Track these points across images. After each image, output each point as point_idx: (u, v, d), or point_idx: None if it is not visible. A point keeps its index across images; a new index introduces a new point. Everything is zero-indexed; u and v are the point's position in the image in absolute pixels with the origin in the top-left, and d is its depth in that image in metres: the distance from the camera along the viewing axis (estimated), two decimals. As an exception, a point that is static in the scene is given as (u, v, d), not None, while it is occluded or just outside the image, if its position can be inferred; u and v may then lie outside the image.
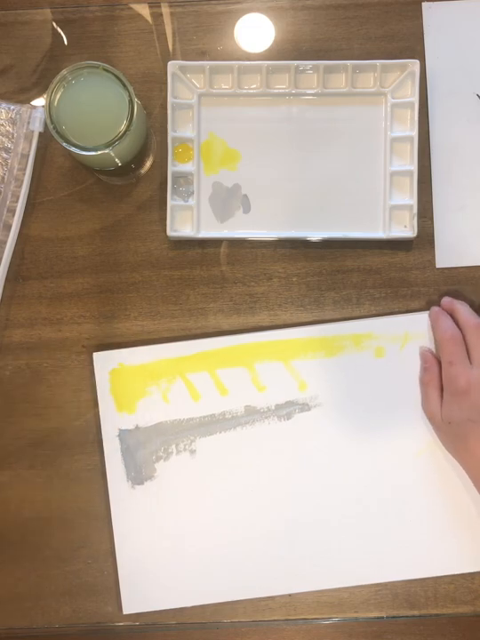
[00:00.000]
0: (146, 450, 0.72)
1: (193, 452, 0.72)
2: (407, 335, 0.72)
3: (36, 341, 0.74)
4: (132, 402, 0.72)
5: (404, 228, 0.72)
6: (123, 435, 0.72)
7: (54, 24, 0.75)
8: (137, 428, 0.72)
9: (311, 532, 0.71)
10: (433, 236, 0.74)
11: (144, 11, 0.75)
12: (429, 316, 0.72)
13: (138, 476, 0.72)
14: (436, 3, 0.74)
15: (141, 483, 0.72)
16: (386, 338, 0.72)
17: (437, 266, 0.74)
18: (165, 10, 0.74)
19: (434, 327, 0.71)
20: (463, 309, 0.70)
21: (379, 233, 0.72)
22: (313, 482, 0.71)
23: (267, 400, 0.72)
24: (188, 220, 0.73)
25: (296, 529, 0.71)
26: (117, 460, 0.72)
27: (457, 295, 0.73)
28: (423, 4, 0.74)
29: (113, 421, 0.72)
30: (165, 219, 0.72)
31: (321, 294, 0.74)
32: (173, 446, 0.72)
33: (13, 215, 0.73)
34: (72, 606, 0.73)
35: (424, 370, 0.71)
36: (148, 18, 0.74)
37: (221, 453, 0.72)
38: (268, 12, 0.75)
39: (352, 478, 0.72)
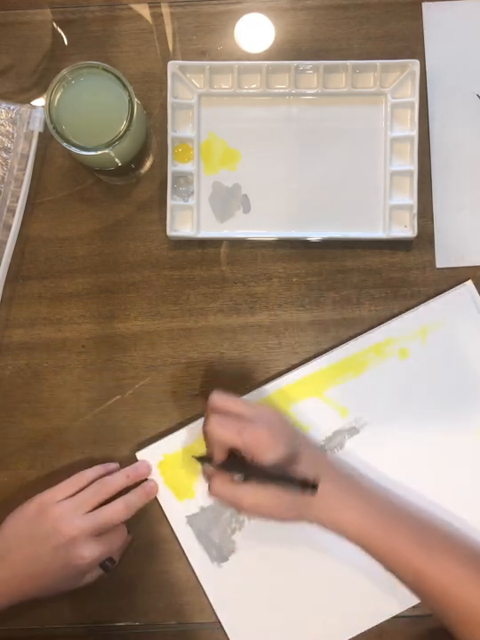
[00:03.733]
0: (219, 527, 0.71)
1: None
2: (424, 329, 0.72)
3: (36, 341, 0.74)
4: (189, 487, 0.72)
5: (404, 228, 0.72)
6: (191, 520, 0.71)
7: (54, 24, 0.75)
8: (202, 509, 0.72)
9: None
10: (433, 235, 0.74)
11: (144, 11, 0.75)
12: None
13: (220, 553, 0.71)
14: (435, 3, 0.74)
15: (226, 559, 0.71)
16: (405, 338, 0.72)
17: (437, 266, 0.74)
18: (165, 10, 0.75)
19: None
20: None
21: (379, 233, 0.72)
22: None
23: (315, 437, 0.72)
24: (188, 219, 0.73)
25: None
26: (195, 545, 0.71)
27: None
28: (423, 4, 0.74)
29: (178, 511, 0.72)
30: (165, 219, 0.72)
31: (321, 294, 0.74)
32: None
33: (13, 215, 0.73)
34: (72, 606, 0.73)
35: None
36: (148, 18, 0.74)
37: None
38: (267, 12, 0.75)
39: (426, 482, 0.71)
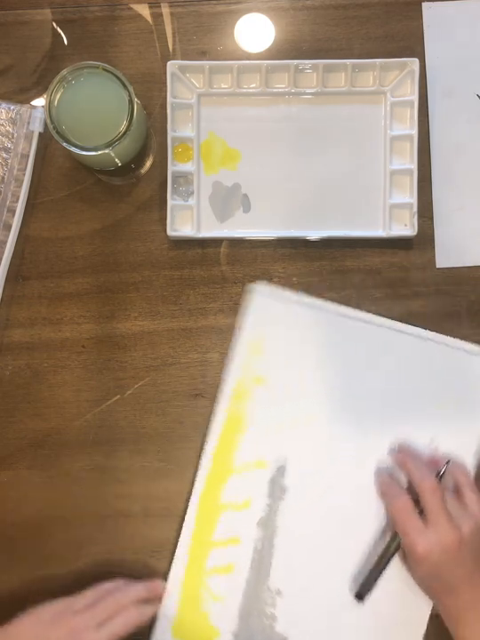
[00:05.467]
0: None
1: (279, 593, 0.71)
2: (255, 347, 0.72)
3: (36, 341, 0.74)
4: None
5: (405, 227, 0.72)
6: None
7: (54, 24, 0.75)
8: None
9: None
10: (433, 235, 0.74)
11: (144, 11, 0.75)
12: (378, 484, 0.70)
13: None
14: (435, 3, 0.74)
15: None
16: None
17: (437, 266, 0.74)
18: (165, 10, 0.75)
19: (383, 496, 0.70)
20: (414, 468, 0.68)
21: (379, 231, 0.72)
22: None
23: (258, 503, 0.71)
24: (187, 219, 0.73)
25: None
26: None
27: (456, 295, 0.73)
28: (423, 3, 0.74)
29: None
30: (165, 219, 0.72)
31: (321, 294, 0.74)
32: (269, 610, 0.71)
33: (13, 215, 0.73)
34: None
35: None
36: (148, 18, 0.75)
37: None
38: (268, 12, 0.75)
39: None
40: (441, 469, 0.69)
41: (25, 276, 0.74)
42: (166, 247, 0.74)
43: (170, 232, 0.72)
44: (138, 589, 0.69)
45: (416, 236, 0.72)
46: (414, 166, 0.72)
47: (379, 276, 0.74)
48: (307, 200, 0.73)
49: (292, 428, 0.72)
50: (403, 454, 0.70)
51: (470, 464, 0.71)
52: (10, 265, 0.74)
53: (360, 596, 0.68)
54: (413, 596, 0.69)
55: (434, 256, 0.74)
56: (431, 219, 0.74)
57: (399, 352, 0.72)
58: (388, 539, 0.69)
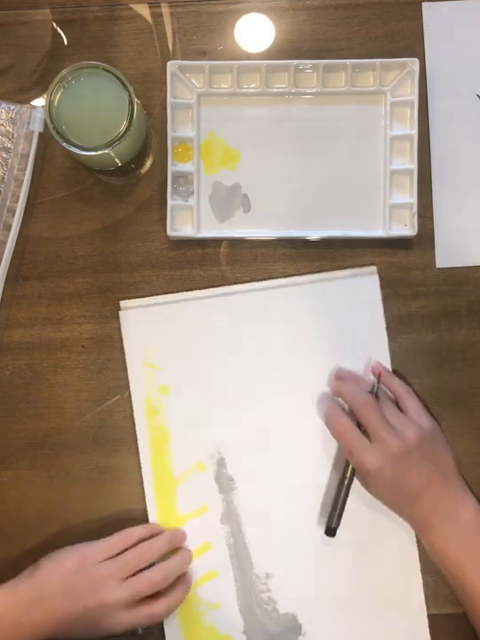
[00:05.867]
0: None
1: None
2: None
3: (36, 341, 0.74)
4: None
5: (405, 227, 0.72)
6: None
7: (54, 24, 0.75)
8: None
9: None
10: (433, 235, 0.74)
11: (144, 11, 0.75)
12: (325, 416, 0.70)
13: None
14: (435, 3, 0.74)
15: None
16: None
17: (437, 266, 0.74)
18: (165, 10, 0.75)
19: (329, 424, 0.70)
20: (347, 389, 0.69)
21: (379, 231, 0.72)
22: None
23: (215, 507, 0.72)
24: (187, 219, 0.73)
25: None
26: None
27: (456, 295, 0.73)
28: (423, 3, 0.74)
29: None
30: (165, 219, 0.72)
31: (321, 294, 0.74)
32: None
33: (13, 215, 0.73)
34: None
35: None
36: (148, 18, 0.74)
37: None
38: (268, 12, 0.75)
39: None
40: (373, 385, 0.69)
41: (25, 276, 0.74)
42: (166, 247, 0.74)
43: (170, 232, 0.72)
44: (162, 545, 0.69)
45: (416, 236, 0.72)
46: (414, 166, 0.72)
47: (379, 275, 0.74)
48: (307, 200, 0.73)
49: (214, 420, 0.72)
50: (337, 381, 0.71)
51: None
52: (10, 265, 0.74)
53: (329, 530, 0.68)
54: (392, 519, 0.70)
55: (434, 256, 0.74)
56: (431, 219, 0.74)
57: (280, 307, 0.73)
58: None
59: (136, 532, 0.69)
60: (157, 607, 0.67)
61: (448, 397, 0.73)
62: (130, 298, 0.74)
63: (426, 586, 0.71)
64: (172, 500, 0.72)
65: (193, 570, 0.71)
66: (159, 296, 0.73)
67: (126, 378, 0.73)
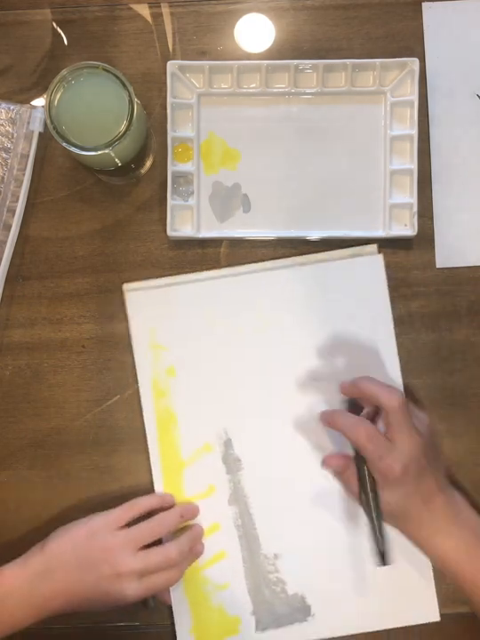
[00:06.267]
0: None
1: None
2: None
3: (36, 341, 0.74)
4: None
5: (405, 227, 0.72)
6: None
7: (54, 24, 0.75)
8: None
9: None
10: (433, 235, 0.74)
11: (144, 11, 0.75)
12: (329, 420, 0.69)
13: None
14: (435, 3, 0.74)
15: None
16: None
17: (437, 266, 0.74)
18: (165, 10, 0.75)
19: (344, 431, 0.67)
20: (375, 388, 0.66)
21: (379, 231, 0.72)
22: None
23: (222, 486, 0.72)
24: (187, 219, 0.73)
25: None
26: None
27: (456, 295, 0.73)
28: (423, 4, 0.74)
29: None
30: (165, 219, 0.72)
31: (321, 294, 0.74)
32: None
33: (13, 215, 0.73)
34: (72, 606, 0.73)
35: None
36: (148, 18, 0.74)
37: None
38: (268, 12, 0.75)
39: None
40: (348, 402, 0.70)
41: (25, 276, 0.74)
42: (166, 247, 0.74)
43: (170, 232, 0.72)
44: (174, 518, 0.69)
45: (416, 236, 0.72)
46: (414, 166, 0.72)
47: (379, 275, 0.74)
48: (307, 200, 0.73)
49: (221, 401, 0.72)
50: (327, 415, 0.69)
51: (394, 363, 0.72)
52: (10, 265, 0.74)
53: (383, 560, 0.66)
54: None
55: (434, 256, 0.74)
56: (431, 219, 0.73)
57: (283, 287, 0.73)
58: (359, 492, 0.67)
59: (144, 501, 0.69)
60: (169, 577, 0.67)
61: (448, 397, 0.73)
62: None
63: (437, 585, 0.72)
64: (179, 482, 0.72)
65: (202, 543, 0.71)
66: (163, 278, 0.73)
67: (126, 377, 0.73)
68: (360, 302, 0.72)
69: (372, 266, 0.72)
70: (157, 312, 0.73)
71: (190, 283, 0.73)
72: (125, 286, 0.73)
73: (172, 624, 0.72)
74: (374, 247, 0.73)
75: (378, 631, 0.71)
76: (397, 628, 0.71)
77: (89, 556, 0.65)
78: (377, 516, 0.66)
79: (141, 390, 0.72)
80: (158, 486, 0.72)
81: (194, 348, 0.72)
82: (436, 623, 0.71)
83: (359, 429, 0.65)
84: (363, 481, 0.66)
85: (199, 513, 0.71)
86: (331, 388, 0.71)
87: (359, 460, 0.67)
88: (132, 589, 0.65)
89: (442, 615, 0.71)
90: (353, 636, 0.71)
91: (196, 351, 0.72)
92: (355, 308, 0.72)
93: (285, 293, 0.72)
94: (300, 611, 0.71)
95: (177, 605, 0.71)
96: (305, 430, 0.72)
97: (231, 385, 0.72)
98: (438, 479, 0.66)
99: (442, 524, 0.66)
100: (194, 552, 0.70)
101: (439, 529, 0.66)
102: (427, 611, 0.71)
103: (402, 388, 0.71)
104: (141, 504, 0.69)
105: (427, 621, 0.71)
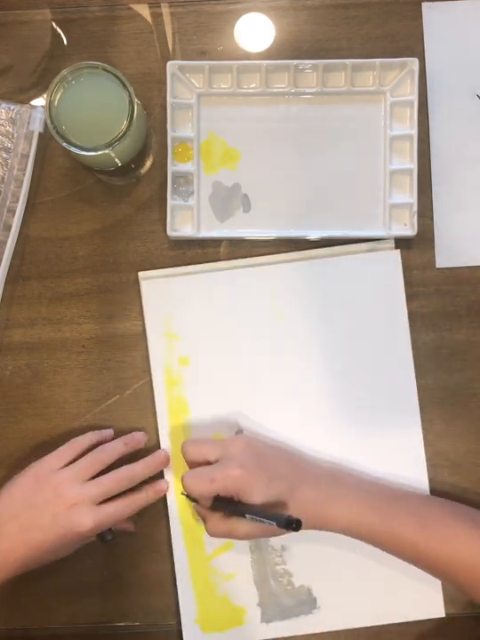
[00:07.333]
0: None
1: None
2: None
3: (36, 341, 0.74)
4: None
5: (405, 227, 0.72)
6: None
7: (54, 24, 0.75)
8: None
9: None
10: (433, 235, 0.74)
11: (144, 11, 0.75)
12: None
13: None
14: (435, 3, 0.74)
15: None
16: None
17: (437, 266, 0.74)
18: (165, 10, 0.75)
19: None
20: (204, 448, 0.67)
21: (379, 231, 0.72)
22: None
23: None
24: (188, 219, 0.73)
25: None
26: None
27: (456, 295, 0.73)
28: (423, 3, 0.74)
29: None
30: (165, 219, 0.72)
31: (321, 294, 0.74)
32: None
33: (13, 215, 0.73)
34: (72, 606, 0.73)
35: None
36: (148, 18, 0.75)
37: None
38: (268, 12, 0.75)
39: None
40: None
41: (25, 276, 0.74)
42: (166, 247, 0.74)
43: (170, 232, 0.72)
44: (116, 445, 0.69)
45: (416, 236, 0.72)
46: (414, 166, 0.72)
47: (379, 275, 0.74)
48: (307, 200, 0.73)
49: (233, 391, 0.72)
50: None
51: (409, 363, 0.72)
52: (10, 265, 0.74)
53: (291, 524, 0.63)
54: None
55: (434, 256, 0.74)
56: (431, 219, 0.74)
57: (297, 280, 0.73)
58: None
59: (83, 438, 0.69)
60: (124, 503, 0.66)
61: (448, 397, 0.73)
62: (130, 297, 0.74)
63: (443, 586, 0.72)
64: None
65: (168, 480, 0.71)
66: (178, 267, 0.73)
67: (127, 377, 0.73)
68: (376, 297, 0.72)
69: (389, 261, 0.73)
70: (172, 301, 0.73)
71: (206, 272, 0.73)
72: (141, 274, 0.73)
73: (174, 624, 0.72)
74: (391, 242, 0.73)
75: (382, 625, 0.71)
76: (401, 623, 0.71)
77: (40, 497, 0.65)
78: (268, 515, 0.63)
79: (154, 379, 0.72)
80: (168, 476, 0.72)
81: (208, 337, 0.73)
82: (440, 619, 0.71)
83: (190, 481, 0.65)
84: (234, 506, 0.65)
85: (145, 440, 0.71)
86: (343, 380, 0.72)
87: (215, 498, 0.66)
88: (88, 519, 0.64)
89: (447, 614, 0.72)
90: (357, 629, 0.71)
91: (209, 341, 0.73)
92: (371, 302, 0.72)
93: (301, 286, 0.73)
94: (305, 603, 0.71)
95: (182, 595, 0.71)
96: (316, 422, 0.72)
97: (244, 376, 0.73)
98: (294, 466, 0.67)
99: (326, 496, 0.65)
100: (156, 488, 0.69)
101: (332, 497, 0.65)
102: (431, 606, 0.71)
103: (415, 384, 0.72)
104: (80, 442, 0.69)
105: (431, 617, 0.71)
